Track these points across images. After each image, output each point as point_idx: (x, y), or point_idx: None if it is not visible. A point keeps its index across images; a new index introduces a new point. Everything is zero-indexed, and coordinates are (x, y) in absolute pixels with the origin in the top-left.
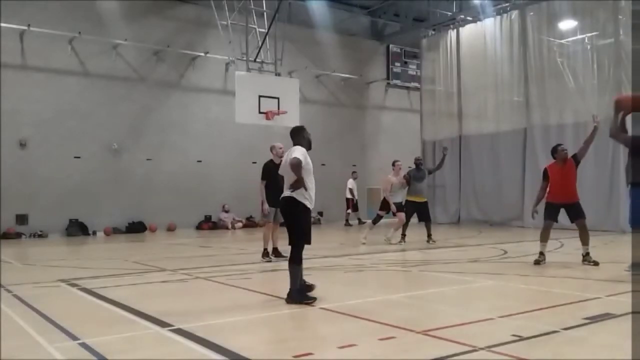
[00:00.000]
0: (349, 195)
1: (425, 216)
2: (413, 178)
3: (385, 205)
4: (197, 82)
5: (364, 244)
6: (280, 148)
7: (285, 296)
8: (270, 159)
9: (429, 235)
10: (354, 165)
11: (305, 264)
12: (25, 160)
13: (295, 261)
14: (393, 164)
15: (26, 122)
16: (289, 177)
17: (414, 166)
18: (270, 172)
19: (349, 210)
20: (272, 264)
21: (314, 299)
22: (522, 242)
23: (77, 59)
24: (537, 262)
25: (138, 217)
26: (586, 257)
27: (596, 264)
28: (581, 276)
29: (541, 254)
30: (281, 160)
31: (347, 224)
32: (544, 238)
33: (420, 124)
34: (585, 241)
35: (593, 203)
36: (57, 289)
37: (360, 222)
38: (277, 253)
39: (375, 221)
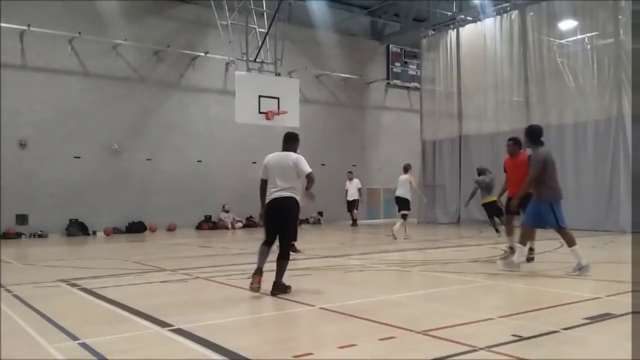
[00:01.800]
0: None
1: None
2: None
3: (406, 203)
4: (197, 82)
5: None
6: None
7: (272, 290)
8: None
9: (497, 230)
10: (354, 165)
11: (305, 264)
12: (25, 160)
13: (288, 256)
14: (410, 167)
15: (26, 122)
16: (289, 177)
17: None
18: None
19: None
20: (272, 263)
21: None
22: None
23: (77, 59)
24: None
25: (138, 217)
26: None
27: (529, 260)
28: (581, 276)
29: (510, 248)
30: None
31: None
32: (507, 232)
33: (420, 124)
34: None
35: (593, 203)
36: (57, 289)
37: (354, 223)
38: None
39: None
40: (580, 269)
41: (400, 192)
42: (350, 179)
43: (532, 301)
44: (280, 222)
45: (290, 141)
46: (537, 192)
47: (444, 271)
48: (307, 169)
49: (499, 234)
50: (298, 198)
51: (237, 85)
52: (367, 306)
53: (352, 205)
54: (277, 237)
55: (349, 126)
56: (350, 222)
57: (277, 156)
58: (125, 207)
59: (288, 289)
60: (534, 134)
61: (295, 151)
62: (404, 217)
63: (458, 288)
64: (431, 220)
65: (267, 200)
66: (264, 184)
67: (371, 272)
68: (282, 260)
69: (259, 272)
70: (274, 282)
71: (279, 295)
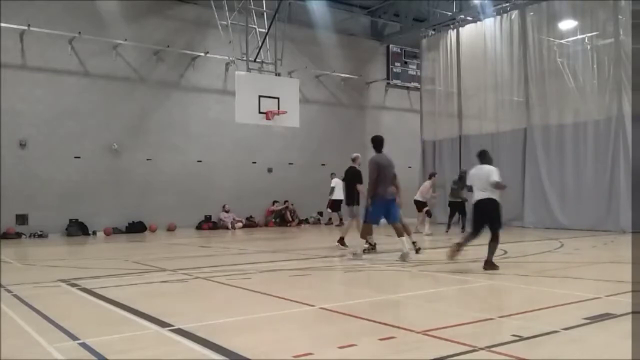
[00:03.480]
0: None
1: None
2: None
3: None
4: (197, 82)
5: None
6: (359, 158)
7: (484, 265)
8: (352, 166)
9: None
10: None
11: (305, 264)
12: (26, 160)
13: (497, 240)
14: (434, 175)
15: (26, 122)
16: (484, 184)
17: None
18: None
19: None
20: (272, 263)
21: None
22: (522, 242)
23: (77, 59)
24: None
25: (138, 217)
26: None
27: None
28: (581, 276)
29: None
30: (354, 168)
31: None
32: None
33: (420, 124)
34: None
35: (593, 203)
36: (57, 289)
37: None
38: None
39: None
40: (402, 255)
41: (418, 196)
42: (332, 179)
43: (532, 301)
44: (485, 216)
45: (484, 157)
46: (374, 192)
47: (444, 271)
48: (494, 179)
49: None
50: (495, 197)
51: (237, 85)
52: (367, 306)
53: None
54: (488, 228)
55: (349, 126)
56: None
57: (476, 169)
58: (126, 207)
59: (497, 267)
60: (375, 143)
61: (489, 163)
62: (428, 213)
63: (458, 288)
64: (432, 220)
65: (473, 202)
66: (470, 188)
67: (371, 272)
68: (492, 243)
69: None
70: (486, 260)
71: (281, 296)
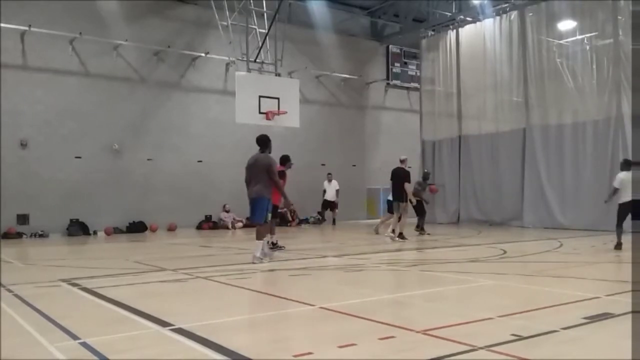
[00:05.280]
0: None
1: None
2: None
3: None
4: (197, 82)
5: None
6: (407, 160)
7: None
8: (401, 167)
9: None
10: (354, 166)
11: (305, 263)
12: (26, 160)
13: None
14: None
15: (27, 122)
16: (629, 188)
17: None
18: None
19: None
20: (271, 263)
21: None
22: (522, 241)
23: (77, 60)
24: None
25: (139, 217)
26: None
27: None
28: (581, 276)
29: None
30: (402, 168)
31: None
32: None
33: (419, 124)
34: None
35: (592, 203)
36: (58, 288)
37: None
38: (402, 236)
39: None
40: (253, 257)
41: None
42: (330, 180)
43: (532, 301)
44: (632, 210)
45: (628, 164)
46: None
47: (444, 271)
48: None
49: (423, 232)
50: None
51: (237, 85)
52: (367, 306)
53: (331, 205)
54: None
55: (349, 126)
56: (323, 221)
57: (625, 174)
58: (126, 207)
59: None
60: (257, 143)
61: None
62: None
63: (457, 288)
64: (430, 220)
65: (623, 202)
66: (615, 190)
67: (371, 272)
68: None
69: (619, 243)
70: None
71: (281, 296)
